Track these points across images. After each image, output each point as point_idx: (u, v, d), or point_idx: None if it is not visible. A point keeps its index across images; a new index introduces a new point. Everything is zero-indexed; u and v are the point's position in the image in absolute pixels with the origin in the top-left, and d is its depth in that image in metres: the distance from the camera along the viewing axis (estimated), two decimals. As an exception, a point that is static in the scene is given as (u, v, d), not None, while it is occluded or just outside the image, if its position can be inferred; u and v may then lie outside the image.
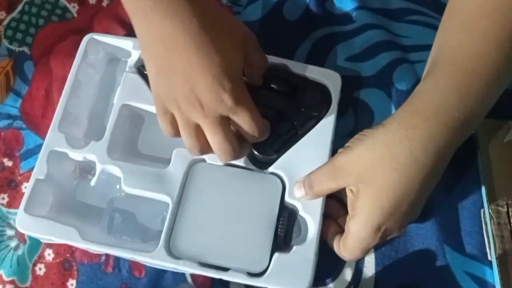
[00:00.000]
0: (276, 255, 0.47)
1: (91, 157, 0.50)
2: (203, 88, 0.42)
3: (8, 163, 0.56)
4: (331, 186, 0.45)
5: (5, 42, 0.61)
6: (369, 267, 0.50)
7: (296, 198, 0.48)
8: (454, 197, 0.52)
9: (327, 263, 0.50)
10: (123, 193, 0.51)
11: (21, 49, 0.61)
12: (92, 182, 0.51)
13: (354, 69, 0.56)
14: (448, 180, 0.51)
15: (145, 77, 0.52)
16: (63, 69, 0.58)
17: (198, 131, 0.44)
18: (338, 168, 0.44)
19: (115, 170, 0.50)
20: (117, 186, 0.51)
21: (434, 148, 0.40)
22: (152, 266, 0.50)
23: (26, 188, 0.50)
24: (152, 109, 0.51)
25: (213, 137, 0.44)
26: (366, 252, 0.44)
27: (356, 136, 0.44)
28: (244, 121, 0.44)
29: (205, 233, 0.48)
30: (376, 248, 0.51)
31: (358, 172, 0.42)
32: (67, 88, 0.53)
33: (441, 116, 0.40)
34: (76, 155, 0.51)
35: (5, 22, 0.62)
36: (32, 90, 0.59)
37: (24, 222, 0.48)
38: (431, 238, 0.50)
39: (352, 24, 0.58)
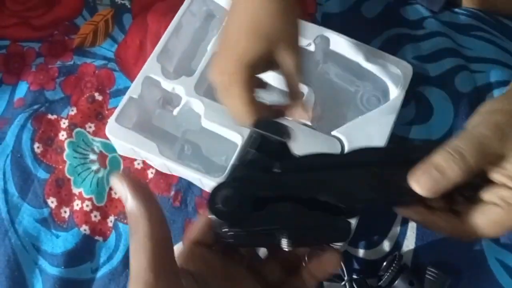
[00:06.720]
0: None
1: (180, 89, 0.57)
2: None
3: (98, 97, 0.62)
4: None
5: (109, -6, 0.68)
6: (410, 240, 0.55)
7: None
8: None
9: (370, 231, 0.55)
10: (198, 127, 0.56)
11: (123, 2, 0.67)
12: (175, 112, 0.57)
13: (420, 67, 0.62)
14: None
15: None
16: (158, 25, 0.65)
17: None
18: None
19: (198, 103, 0.56)
20: (194, 121, 0.57)
21: None
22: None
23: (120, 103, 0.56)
24: None
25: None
26: None
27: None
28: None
29: None
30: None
31: None
32: (171, 27, 0.60)
33: None
34: (167, 84, 0.57)
35: (111, -23, 0.69)
36: (128, 39, 0.65)
37: (114, 130, 0.54)
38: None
39: (422, 30, 0.65)
